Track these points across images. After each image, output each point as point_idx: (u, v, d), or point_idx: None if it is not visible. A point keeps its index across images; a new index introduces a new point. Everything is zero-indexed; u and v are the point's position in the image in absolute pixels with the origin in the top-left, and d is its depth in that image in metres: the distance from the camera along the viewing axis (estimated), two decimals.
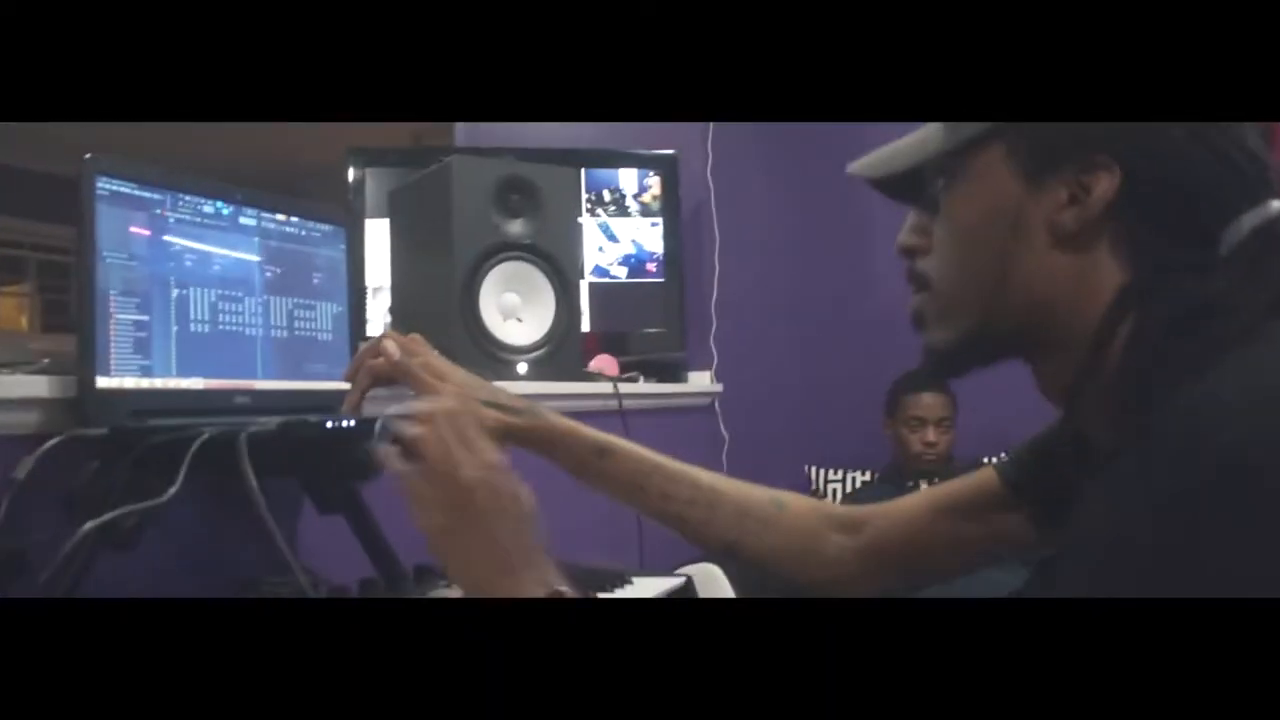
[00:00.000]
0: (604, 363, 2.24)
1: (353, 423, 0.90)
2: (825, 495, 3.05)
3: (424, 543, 0.80)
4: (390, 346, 0.96)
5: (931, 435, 2.75)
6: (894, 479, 2.82)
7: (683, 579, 1.30)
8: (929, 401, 2.75)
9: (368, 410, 0.95)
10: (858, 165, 0.82)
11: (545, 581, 0.78)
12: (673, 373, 2.64)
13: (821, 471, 3.10)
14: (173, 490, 0.81)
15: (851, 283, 3.18)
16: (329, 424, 0.86)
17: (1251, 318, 0.61)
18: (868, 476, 3.00)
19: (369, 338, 1.82)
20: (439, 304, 1.79)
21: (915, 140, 0.77)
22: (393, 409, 0.84)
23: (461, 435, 0.80)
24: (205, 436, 0.85)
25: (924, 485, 2.73)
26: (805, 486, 3.08)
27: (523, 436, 0.98)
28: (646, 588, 1.25)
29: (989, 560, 1.07)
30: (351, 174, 2.45)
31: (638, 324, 2.55)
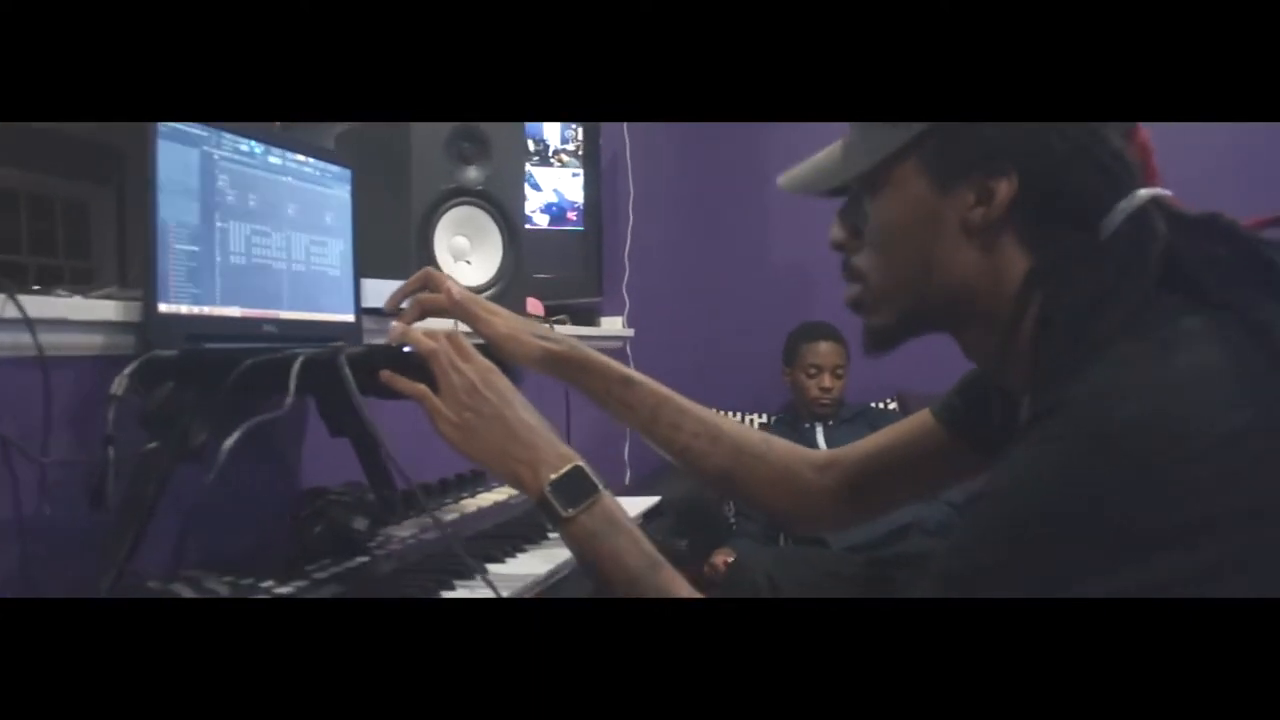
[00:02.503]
0: (533, 306, 2.34)
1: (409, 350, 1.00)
2: None
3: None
4: (454, 286, 1.08)
5: (827, 381, 2.93)
6: (791, 421, 3.00)
7: (656, 499, 1.44)
8: (825, 350, 2.93)
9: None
10: (787, 179, 0.95)
11: (564, 454, 0.94)
12: (589, 317, 2.76)
13: (723, 414, 3.25)
14: (289, 401, 0.90)
15: (754, 237, 3.35)
16: (406, 349, 0.96)
17: (1138, 298, 0.75)
18: (765, 419, 3.18)
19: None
20: (395, 245, 1.85)
21: (838, 159, 0.89)
22: (394, 335, 1.00)
23: (460, 349, 0.97)
24: (303, 358, 0.93)
25: (819, 428, 2.93)
26: None
27: (564, 361, 1.11)
28: (628, 506, 1.37)
29: (939, 489, 1.26)
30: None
31: (558, 270, 2.65)
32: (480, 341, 1.10)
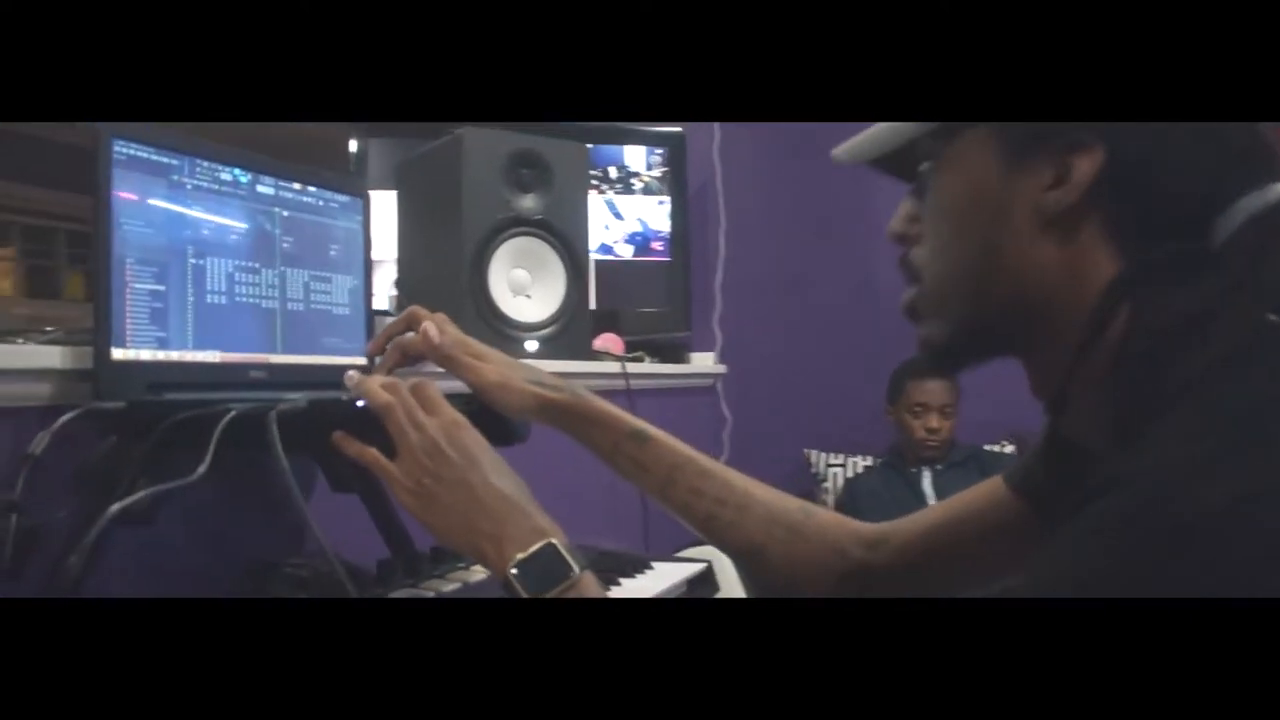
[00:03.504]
0: (609, 341, 2.21)
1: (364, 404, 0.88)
2: (826, 479, 3.02)
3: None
4: (431, 328, 0.95)
5: (934, 422, 2.72)
6: (896, 464, 2.80)
7: (704, 565, 1.27)
8: (933, 388, 2.72)
9: None
10: (841, 150, 0.79)
11: (537, 528, 0.79)
12: (676, 353, 2.62)
13: (822, 455, 3.07)
14: (202, 469, 0.78)
15: (857, 265, 3.15)
16: (360, 404, 0.83)
17: (1245, 326, 0.58)
18: (869, 461, 2.98)
19: (381, 312, 1.79)
20: (448, 279, 1.75)
21: (894, 126, 0.74)
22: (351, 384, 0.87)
23: (426, 400, 0.84)
24: (232, 414, 0.81)
25: (926, 472, 2.72)
26: (805, 470, 3.06)
27: (562, 413, 0.97)
28: (668, 573, 1.22)
29: (1009, 572, 1.04)
30: (354, 145, 2.40)
31: (642, 303, 2.53)
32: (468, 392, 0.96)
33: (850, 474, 2.99)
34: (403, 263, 1.93)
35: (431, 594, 1.02)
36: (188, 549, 1.04)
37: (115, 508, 0.77)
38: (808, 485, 3.03)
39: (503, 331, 1.74)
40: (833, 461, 3.05)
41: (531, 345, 1.78)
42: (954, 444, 2.77)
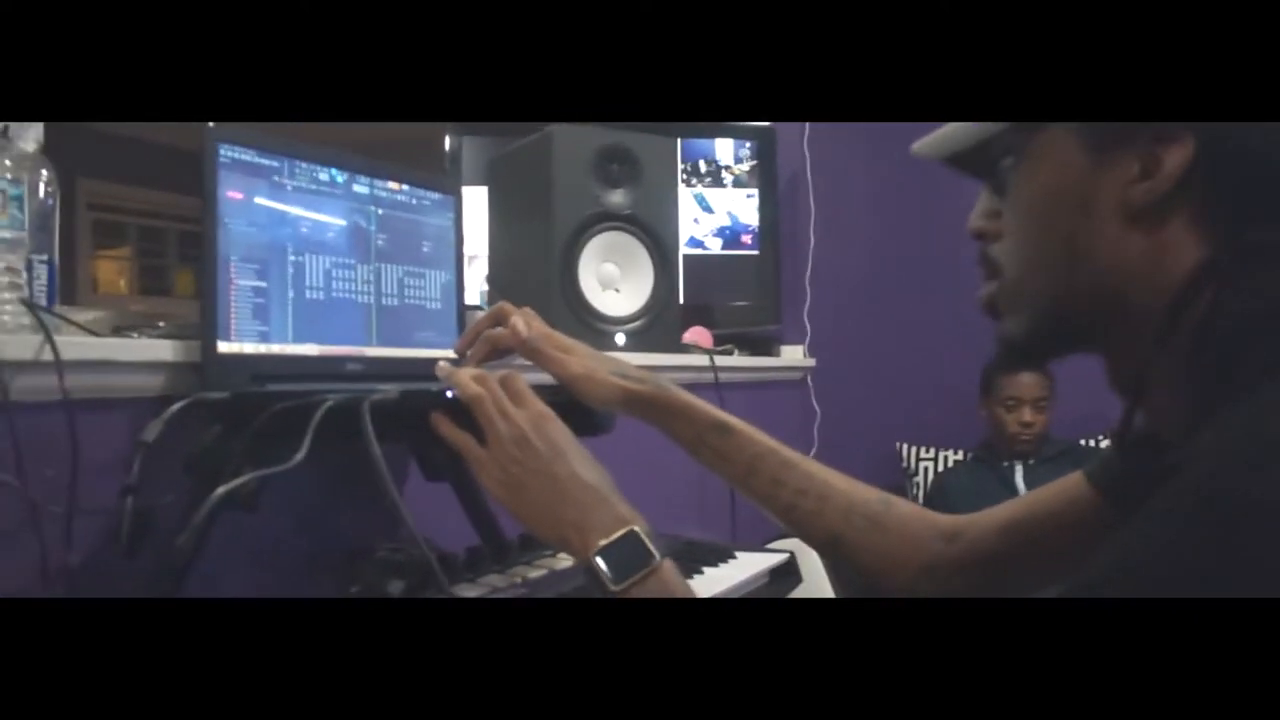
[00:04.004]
0: (698, 335, 2.22)
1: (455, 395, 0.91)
2: (917, 473, 3.01)
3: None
4: (518, 322, 0.98)
5: (1028, 416, 2.69)
6: (988, 459, 2.78)
7: (786, 555, 1.29)
8: (1026, 382, 2.69)
9: None
10: (922, 144, 0.80)
11: (619, 516, 0.82)
12: (766, 346, 2.62)
13: (913, 449, 3.05)
14: (300, 456, 0.82)
15: (948, 255, 3.11)
16: (450, 394, 0.87)
17: None
18: (960, 455, 2.95)
19: (473, 307, 1.83)
20: (538, 273, 1.79)
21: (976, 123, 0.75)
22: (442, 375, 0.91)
23: (514, 392, 0.87)
24: (329, 404, 0.85)
25: (1018, 467, 2.69)
26: (896, 463, 3.05)
27: (646, 405, 0.99)
28: (750, 563, 1.24)
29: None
30: (448, 142, 2.45)
31: (732, 296, 2.53)
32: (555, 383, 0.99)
33: (941, 468, 2.97)
34: (494, 257, 1.97)
35: (519, 581, 1.05)
36: (287, 534, 1.09)
37: (221, 491, 0.81)
38: (898, 479, 3.02)
39: (592, 325, 1.77)
40: (924, 455, 3.03)
41: (620, 339, 1.81)
42: (1048, 438, 2.73)
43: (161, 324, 1.09)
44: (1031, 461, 2.70)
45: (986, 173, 0.76)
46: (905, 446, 3.07)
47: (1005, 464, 2.72)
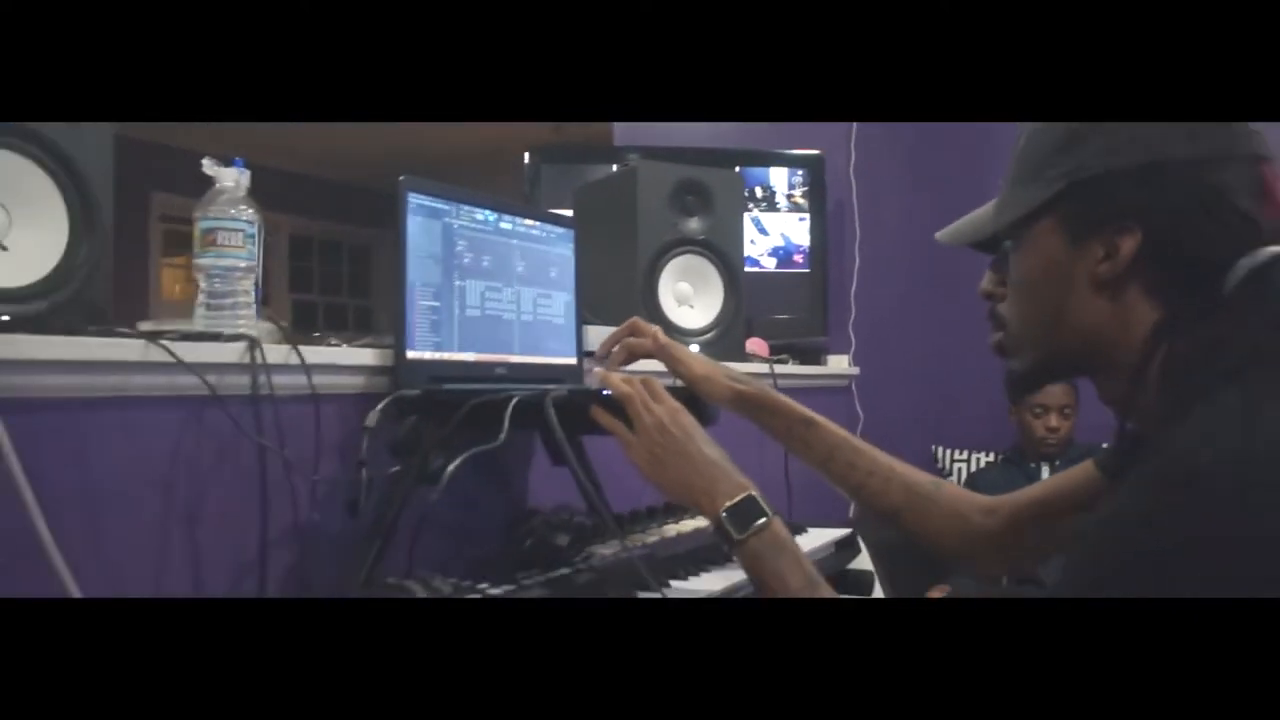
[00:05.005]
0: (757, 345, 2.47)
1: (610, 392, 1.17)
2: (950, 474, 3.25)
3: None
4: (658, 332, 1.24)
5: (1054, 421, 2.92)
6: (1017, 461, 3.01)
7: (848, 531, 1.54)
8: (1053, 390, 2.92)
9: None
10: (944, 234, 1.07)
11: (740, 484, 1.07)
12: (815, 355, 2.87)
13: (947, 451, 3.30)
14: (501, 437, 1.08)
15: (978, 277, 3.35)
16: (605, 393, 1.13)
17: (1246, 350, 0.80)
18: (991, 457, 3.19)
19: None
20: (623, 291, 2.04)
21: (989, 215, 0.99)
22: (597, 378, 1.16)
23: (653, 391, 1.12)
24: (516, 399, 1.11)
25: (1045, 468, 2.92)
26: (932, 465, 3.29)
27: (750, 402, 1.26)
28: (819, 536, 1.49)
29: None
30: (528, 167, 2.72)
31: (784, 310, 2.78)
32: (678, 384, 1.25)
33: (973, 469, 3.21)
34: (582, 276, 2.23)
35: (639, 544, 1.31)
36: (454, 504, 1.36)
37: (451, 467, 1.07)
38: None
39: (670, 337, 2.02)
40: (958, 457, 3.28)
41: (694, 348, 2.06)
42: (1072, 442, 2.96)
43: (367, 338, 1.35)
44: (1057, 463, 2.93)
45: (995, 251, 1.01)
46: (940, 449, 3.32)
47: (1032, 465, 2.95)
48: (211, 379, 1.08)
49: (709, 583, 1.18)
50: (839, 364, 2.97)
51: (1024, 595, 2.18)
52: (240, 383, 1.13)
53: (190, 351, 1.06)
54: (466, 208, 1.37)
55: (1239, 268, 0.84)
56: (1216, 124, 0.86)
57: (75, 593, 0.93)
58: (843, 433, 1.29)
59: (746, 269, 2.73)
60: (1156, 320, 0.87)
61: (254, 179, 1.22)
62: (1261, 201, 0.85)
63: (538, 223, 1.50)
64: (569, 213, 2.21)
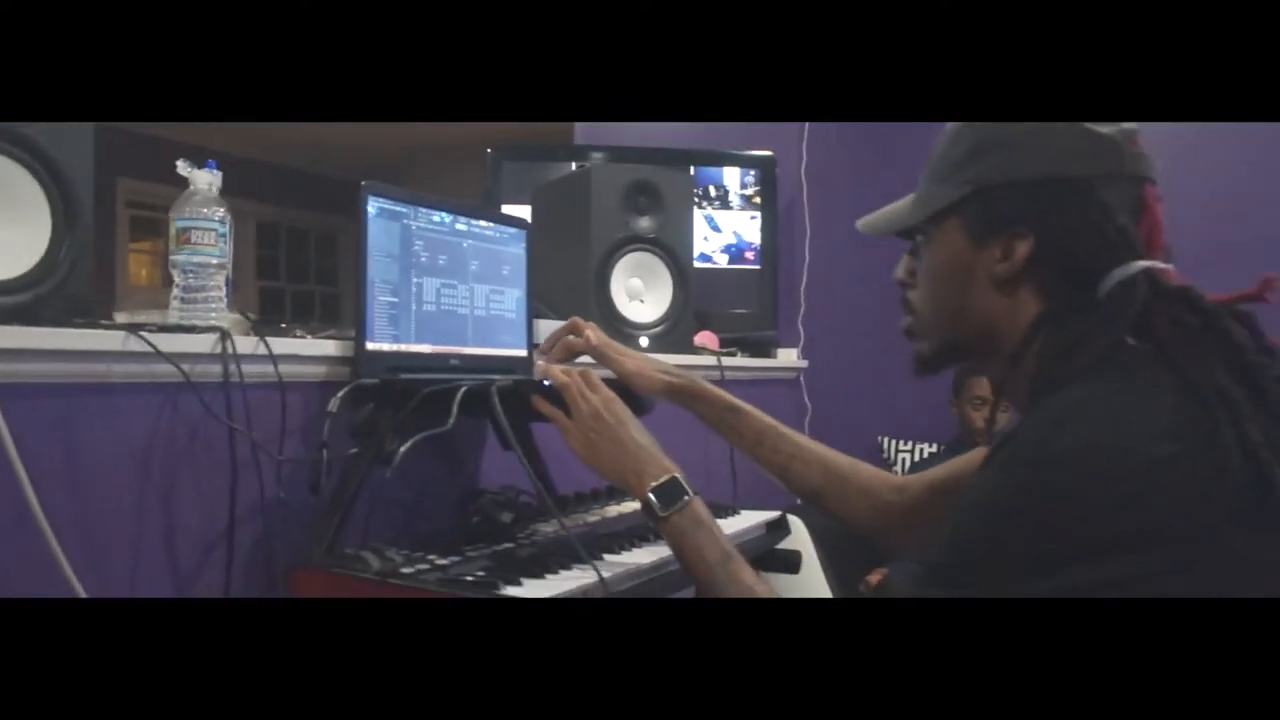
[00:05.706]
0: (706, 338, 2.58)
1: (550, 384, 1.28)
2: (895, 464, 3.38)
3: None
4: (593, 332, 1.36)
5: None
6: (958, 450, 3.11)
7: (779, 513, 1.66)
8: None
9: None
10: (864, 222, 1.17)
11: (665, 466, 1.19)
12: (764, 349, 2.99)
13: (892, 442, 3.44)
14: (450, 423, 1.19)
15: None
16: (546, 383, 1.24)
17: (1103, 347, 0.91)
18: (934, 448, 3.33)
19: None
20: (576, 286, 2.15)
21: (906, 209, 1.09)
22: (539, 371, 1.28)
23: (590, 382, 1.24)
24: (465, 388, 1.22)
25: None
26: (877, 455, 3.43)
27: (681, 392, 1.38)
28: (750, 517, 1.61)
29: None
30: (489, 163, 2.81)
31: (735, 305, 2.90)
32: (613, 376, 1.37)
33: (917, 459, 3.35)
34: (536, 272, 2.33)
35: (581, 523, 1.42)
36: (408, 483, 1.47)
37: (403, 449, 1.18)
38: (880, 467, 3.39)
39: (621, 330, 2.13)
40: (902, 448, 3.41)
41: (644, 342, 2.17)
42: None
43: (330, 331, 1.46)
44: None
45: (910, 241, 1.13)
46: (886, 439, 3.45)
47: None
48: (186, 367, 1.19)
49: (639, 557, 1.29)
50: (788, 357, 3.09)
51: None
52: (213, 371, 1.23)
53: (167, 342, 1.16)
54: (424, 210, 1.47)
55: (1112, 276, 0.94)
56: (1109, 146, 0.97)
57: (62, 559, 1.04)
58: (769, 420, 1.41)
59: (699, 265, 2.86)
60: (1037, 315, 0.98)
61: (222, 166, 1.31)
62: (1138, 218, 0.97)
63: (491, 224, 1.61)
64: (526, 210, 2.34)
